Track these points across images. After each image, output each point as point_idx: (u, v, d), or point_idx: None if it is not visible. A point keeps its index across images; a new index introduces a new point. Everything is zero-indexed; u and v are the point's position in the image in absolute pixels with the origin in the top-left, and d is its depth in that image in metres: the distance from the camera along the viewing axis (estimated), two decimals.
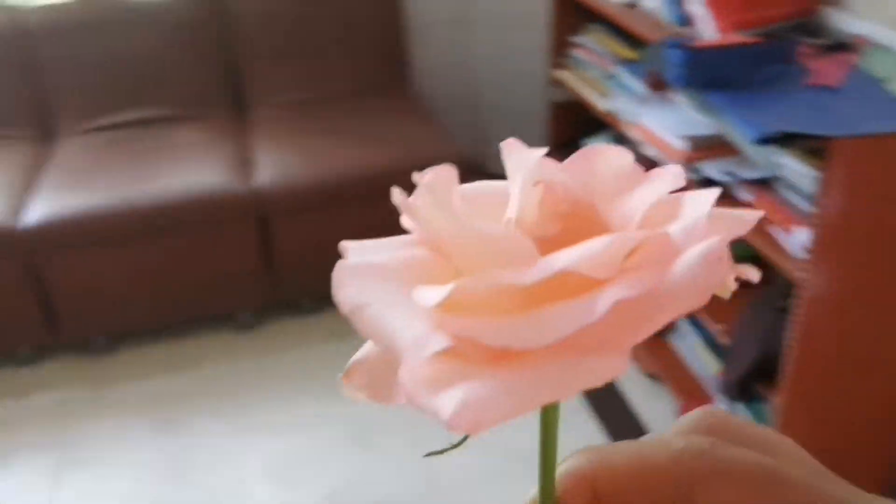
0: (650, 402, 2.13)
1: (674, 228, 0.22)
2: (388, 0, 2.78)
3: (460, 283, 0.20)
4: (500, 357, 0.20)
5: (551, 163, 0.26)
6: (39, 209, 2.23)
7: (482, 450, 1.72)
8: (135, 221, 2.26)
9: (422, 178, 0.24)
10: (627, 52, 2.16)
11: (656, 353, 2.14)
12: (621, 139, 2.16)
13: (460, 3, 2.93)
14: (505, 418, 0.18)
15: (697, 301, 0.20)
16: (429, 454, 0.26)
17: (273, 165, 2.39)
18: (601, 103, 2.21)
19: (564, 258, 0.20)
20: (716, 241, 0.21)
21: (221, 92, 2.72)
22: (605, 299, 0.19)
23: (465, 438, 0.23)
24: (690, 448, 0.22)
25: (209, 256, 2.34)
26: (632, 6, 2.10)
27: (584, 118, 2.37)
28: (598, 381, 0.19)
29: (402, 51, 2.84)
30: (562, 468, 0.24)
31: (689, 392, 2.01)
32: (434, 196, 0.23)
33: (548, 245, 0.21)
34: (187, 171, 2.37)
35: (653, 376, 2.18)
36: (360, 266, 0.23)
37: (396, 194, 0.24)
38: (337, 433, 2.06)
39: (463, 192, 0.26)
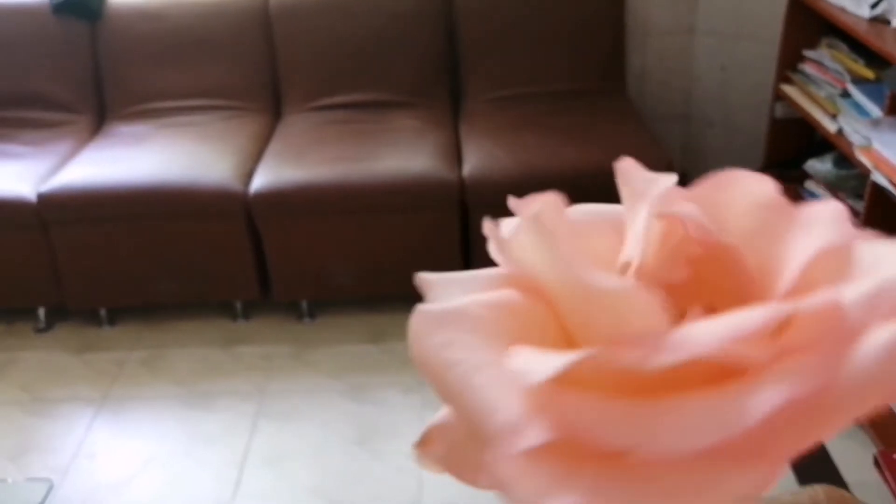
0: (844, 441, 2.00)
1: (849, 295, 0.16)
2: (612, 2, 2.77)
3: (567, 361, 0.16)
4: (614, 456, 0.15)
5: (679, 191, 0.21)
6: (263, 177, 2.41)
7: None
8: (346, 197, 2.39)
9: (526, 207, 0.19)
10: (865, 71, 2.04)
11: None
12: (847, 163, 2.04)
13: (682, 9, 2.86)
14: None
15: (884, 403, 0.15)
16: None
17: (479, 157, 2.45)
18: (829, 123, 2.09)
19: (705, 338, 0.15)
20: None
21: (439, 81, 2.82)
22: (762, 401, 0.14)
23: None
24: None
25: (411, 238, 2.44)
26: (880, 21, 1.97)
27: (806, 137, 2.26)
28: (742, 501, 0.15)
29: (620, 54, 2.81)
30: None
31: (893, 440, 1.87)
32: (539, 235, 0.18)
33: (673, 292, 0.17)
34: (399, 154, 2.48)
35: None
36: (445, 313, 0.19)
37: (488, 226, 0.20)
38: None
39: (571, 220, 0.22)
